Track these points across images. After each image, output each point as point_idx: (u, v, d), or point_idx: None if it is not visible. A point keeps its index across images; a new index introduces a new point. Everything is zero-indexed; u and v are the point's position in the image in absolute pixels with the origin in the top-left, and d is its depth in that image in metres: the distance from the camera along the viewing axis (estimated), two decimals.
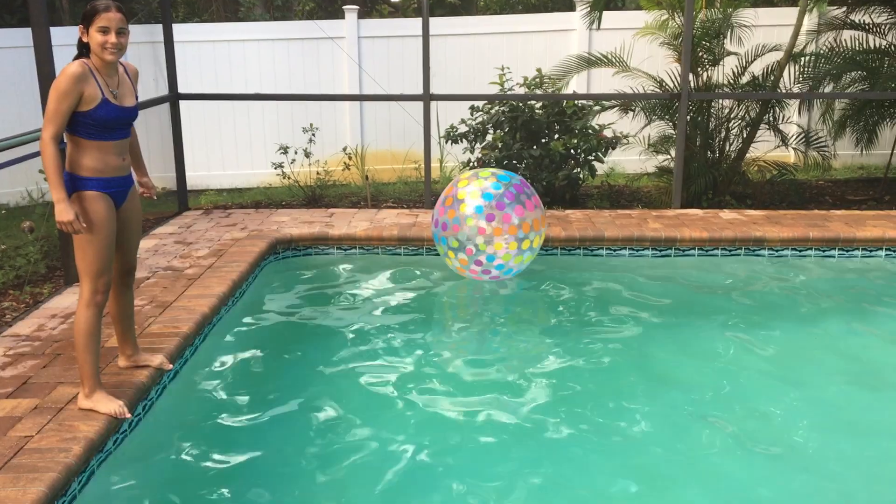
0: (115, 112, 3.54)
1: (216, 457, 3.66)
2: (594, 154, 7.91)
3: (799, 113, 9.05)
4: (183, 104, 7.78)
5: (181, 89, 7.68)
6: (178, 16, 12.79)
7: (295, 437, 3.81)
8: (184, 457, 3.66)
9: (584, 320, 5.26)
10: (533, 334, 5.22)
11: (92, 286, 3.53)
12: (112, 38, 3.47)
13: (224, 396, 4.19)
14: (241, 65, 9.53)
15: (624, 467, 3.59)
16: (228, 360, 4.60)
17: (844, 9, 8.63)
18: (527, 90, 8.06)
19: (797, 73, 8.26)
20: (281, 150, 8.37)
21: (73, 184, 3.51)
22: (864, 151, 8.94)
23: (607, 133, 8.04)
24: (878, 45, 8.37)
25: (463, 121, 8.18)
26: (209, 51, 9.49)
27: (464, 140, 8.14)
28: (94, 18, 3.44)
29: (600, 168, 8.22)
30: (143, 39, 8.31)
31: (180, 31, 8.60)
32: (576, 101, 8.03)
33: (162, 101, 7.50)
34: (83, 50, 3.54)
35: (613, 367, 4.55)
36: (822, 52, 8.42)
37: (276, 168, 8.44)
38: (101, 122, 3.48)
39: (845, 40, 8.40)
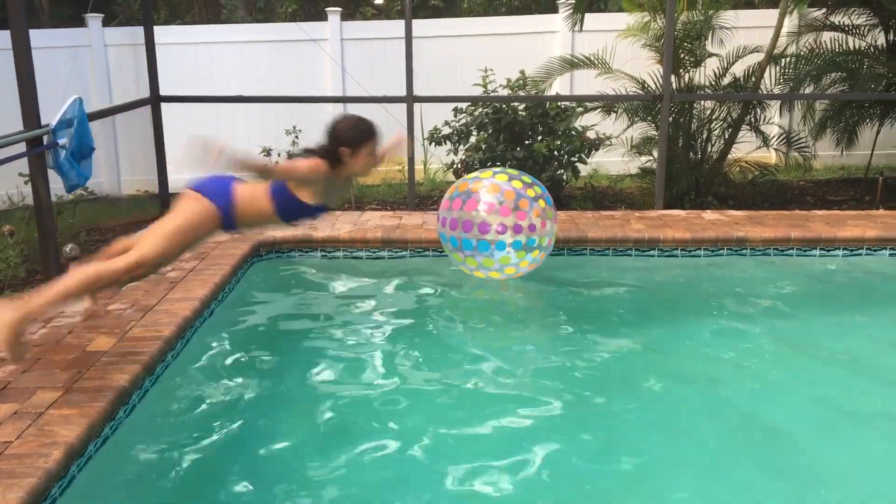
0: (309, 214, 3.71)
1: (199, 463, 3.63)
2: (577, 155, 7.94)
3: (780, 114, 9.12)
4: (166, 107, 7.74)
5: (164, 92, 7.64)
6: (160, 18, 12.73)
7: (278, 444, 3.79)
8: (166, 462, 3.63)
9: (569, 321, 5.26)
10: (520, 335, 5.22)
11: (135, 264, 3.52)
12: (377, 157, 3.72)
13: (207, 401, 4.16)
14: (223, 67, 9.50)
15: (611, 477, 3.60)
16: (211, 363, 4.57)
17: (824, 10, 8.70)
18: (510, 92, 8.07)
19: (778, 74, 8.32)
20: (264, 152, 8.34)
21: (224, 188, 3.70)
22: (844, 152, 9.02)
23: (590, 134, 8.07)
24: (857, 47, 8.45)
25: (447, 122, 8.19)
26: (192, 53, 9.45)
27: (447, 142, 8.14)
28: (371, 141, 3.65)
29: (584, 169, 8.24)
30: (126, 42, 8.28)
31: (162, 33, 8.56)
32: (559, 103, 8.05)
33: (143, 104, 7.46)
34: (331, 160, 3.65)
35: (599, 368, 4.56)
36: (802, 53, 8.49)
37: None
38: (299, 215, 3.66)
39: (825, 42, 8.48)
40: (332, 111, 9.71)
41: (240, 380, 4.41)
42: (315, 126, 9.37)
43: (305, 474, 3.56)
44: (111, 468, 3.50)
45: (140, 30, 7.46)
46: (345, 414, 4.06)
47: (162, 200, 7.68)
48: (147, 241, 3.61)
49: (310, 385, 4.36)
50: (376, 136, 3.67)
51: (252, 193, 3.63)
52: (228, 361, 4.61)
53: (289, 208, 3.63)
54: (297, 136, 8.48)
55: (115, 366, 4.04)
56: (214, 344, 4.81)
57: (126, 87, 8.52)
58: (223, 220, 3.65)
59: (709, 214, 7.16)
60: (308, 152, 3.68)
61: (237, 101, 9.01)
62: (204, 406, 4.11)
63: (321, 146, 3.68)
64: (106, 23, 9.60)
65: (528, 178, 5.51)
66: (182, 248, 3.66)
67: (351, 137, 3.56)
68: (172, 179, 8.04)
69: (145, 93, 7.63)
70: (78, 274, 3.54)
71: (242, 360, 4.65)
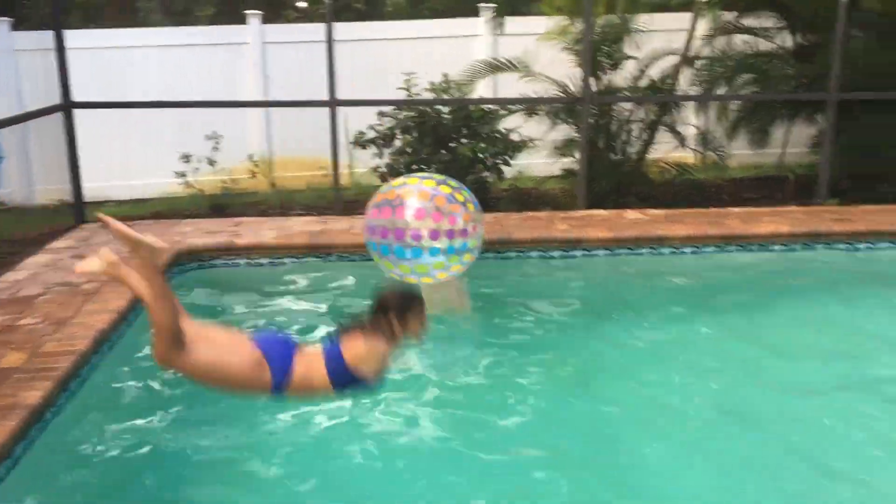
0: (367, 388, 3.47)
1: (114, 483, 3.53)
2: (502, 157, 8.01)
3: (696, 115, 9.38)
4: (81, 113, 7.48)
5: (78, 97, 7.38)
6: (72, 22, 12.32)
7: (200, 460, 3.71)
8: (82, 482, 3.51)
9: (498, 323, 5.30)
10: (452, 341, 5.23)
11: (177, 358, 3.22)
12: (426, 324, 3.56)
13: (126, 417, 4.04)
14: (141, 72, 9.25)
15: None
16: (130, 378, 4.44)
17: (736, 14, 8.98)
18: (434, 95, 8.09)
19: (693, 75, 8.56)
20: (183, 158, 8.16)
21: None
22: (757, 150, 9.32)
23: (514, 137, 8.15)
24: (767, 49, 8.75)
25: (371, 126, 8.15)
26: (107, 58, 9.17)
27: (372, 146, 8.12)
28: (419, 308, 3.48)
29: (508, 171, 8.32)
30: (37, 47, 7.99)
31: (75, 37, 8.28)
32: (483, 106, 8.11)
33: (53, 111, 7.21)
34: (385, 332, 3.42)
35: (530, 370, 4.61)
36: (715, 55, 8.75)
37: (179, 177, 8.22)
38: (357, 388, 3.42)
39: (737, 44, 8.75)
40: (256, 116, 9.58)
41: (160, 395, 4.30)
42: (239, 131, 9.30)
43: (230, 489, 3.50)
44: (24, 490, 3.37)
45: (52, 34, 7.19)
46: (273, 427, 3.99)
47: (76, 210, 7.42)
48: (199, 356, 3.24)
49: (234, 400, 4.27)
50: (424, 303, 3.55)
51: (308, 367, 3.34)
52: (148, 376, 4.48)
53: (347, 384, 3.40)
54: (217, 142, 8.32)
55: (27, 383, 3.89)
56: (133, 358, 4.67)
57: (39, 94, 8.21)
58: (272, 390, 3.39)
59: (630, 214, 7.31)
60: (357, 324, 3.42)
61: (154, 107, 8.75)
62: (123, 423, 3.99)
63: (371, 319, 3.44)
64: (15, 27, 9.24)
65: (454, 183, 5.49)
66: (213, 386, 3.41)
67: (400, 307, 3.41)
68: (88, 188, 7.79)
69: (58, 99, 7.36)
70: (164, 312, 3.28)
71: (163, 374, 4.52)
